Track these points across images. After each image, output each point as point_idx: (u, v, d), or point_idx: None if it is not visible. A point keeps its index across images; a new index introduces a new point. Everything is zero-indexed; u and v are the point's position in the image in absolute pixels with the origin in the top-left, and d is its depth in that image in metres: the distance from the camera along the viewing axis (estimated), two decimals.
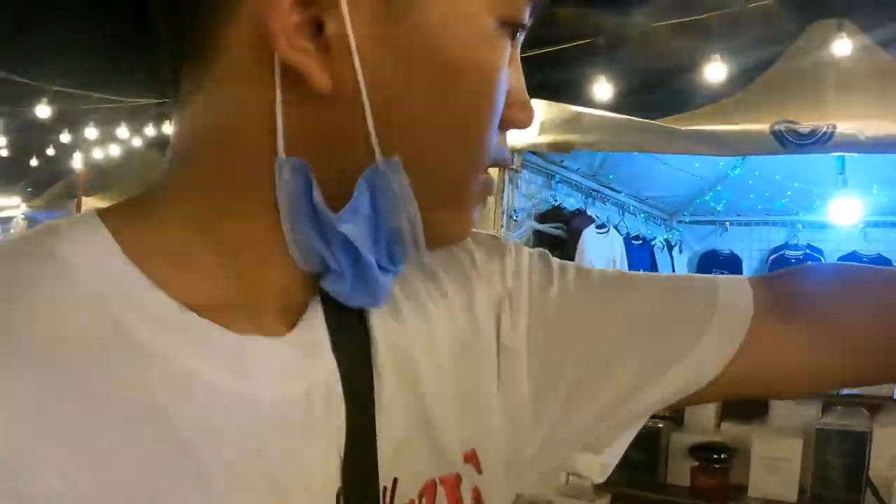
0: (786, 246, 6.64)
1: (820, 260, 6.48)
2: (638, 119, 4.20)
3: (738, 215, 6.69)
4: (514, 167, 4.49)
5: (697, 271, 6.65)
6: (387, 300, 0.61)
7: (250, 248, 0.55)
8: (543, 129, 4.27)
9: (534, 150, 4.53)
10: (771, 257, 6.72)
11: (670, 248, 6.33)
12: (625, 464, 2.18)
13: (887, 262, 6.06)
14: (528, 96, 0.60)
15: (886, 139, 3.55)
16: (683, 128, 4.08)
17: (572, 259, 5.04)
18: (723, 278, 0.72)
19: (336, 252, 0.55)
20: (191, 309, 0.52)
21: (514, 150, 4.43)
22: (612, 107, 4.92)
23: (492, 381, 0.67)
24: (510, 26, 0.55)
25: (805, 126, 3.74)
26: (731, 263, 6.67)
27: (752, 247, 6.81)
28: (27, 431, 0.44)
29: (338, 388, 0.57)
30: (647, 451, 2.10)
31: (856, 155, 4.60)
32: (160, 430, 0.48)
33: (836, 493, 2.00)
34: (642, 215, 6.07)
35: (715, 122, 4.13)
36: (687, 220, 6.86)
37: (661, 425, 2.11)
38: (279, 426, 0.53)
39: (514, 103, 0.58)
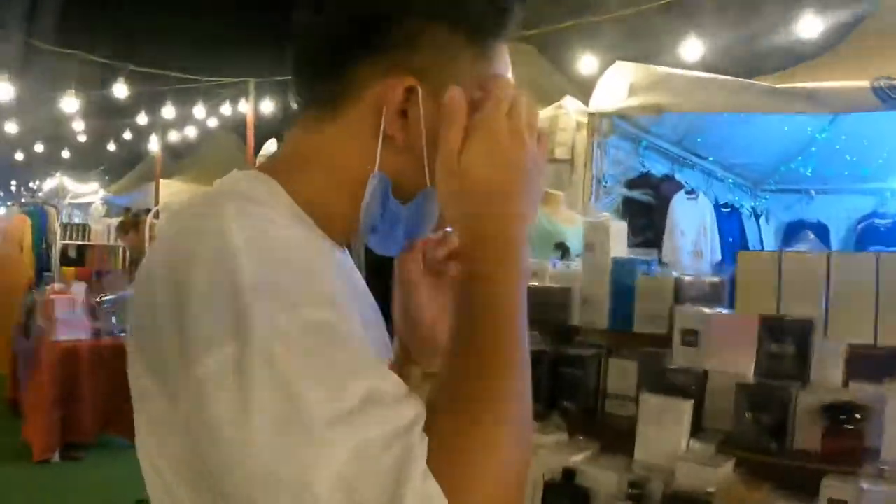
0: (874, 214, 6.41)
1: None
2: (730, 78, 4.04)
3: (823, 183, 6.49)
4: (603, 133, 4.37)
5: (784, 240, 6.46)
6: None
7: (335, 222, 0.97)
8: (633, 92, 4.14)
9: (622, 115, 4.42)
10: (859, 226, 6.50)
11: (757, 216, 6.16)
12: (750, 426, 2.09)
13: None
14: None
15: None
16: (779, 85, 3.92)
17: (662, 226, 4.92)
18: None
19: (385, 224, 0.95)
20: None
21: (602, 115, 4.32)
22: (701, 67, 4.75)
23: None
24: None
25: None
26: (819, 232, 6.44)
27: (839, 216, 6.57)
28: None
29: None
30: (773, 413, 2.00)
31: None
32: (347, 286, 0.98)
33: None
34: (730, 181, 5.91)
35: (808, 81, 3.96)
36: (772, 188, 6.69)
37: (787, 385, 2.00)
38: None
39: None
